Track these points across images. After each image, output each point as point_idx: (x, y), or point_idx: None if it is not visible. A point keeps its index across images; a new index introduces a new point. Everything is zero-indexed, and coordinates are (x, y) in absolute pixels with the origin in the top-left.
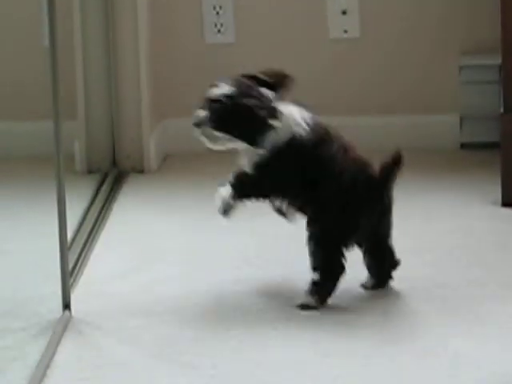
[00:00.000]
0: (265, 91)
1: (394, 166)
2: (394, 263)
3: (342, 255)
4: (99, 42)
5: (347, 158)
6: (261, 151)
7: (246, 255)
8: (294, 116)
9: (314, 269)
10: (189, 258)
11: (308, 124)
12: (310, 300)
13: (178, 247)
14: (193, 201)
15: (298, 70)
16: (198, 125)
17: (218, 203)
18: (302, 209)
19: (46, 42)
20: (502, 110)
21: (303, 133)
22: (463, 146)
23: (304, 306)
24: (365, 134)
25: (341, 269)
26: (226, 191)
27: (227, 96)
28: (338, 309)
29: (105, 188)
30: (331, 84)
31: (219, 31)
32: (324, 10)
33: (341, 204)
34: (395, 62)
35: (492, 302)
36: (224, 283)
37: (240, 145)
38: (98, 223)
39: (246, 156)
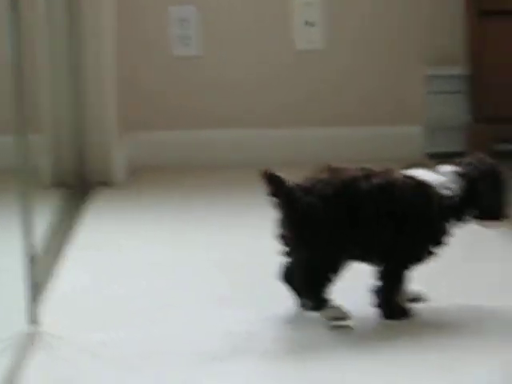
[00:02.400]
0: None
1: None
2: None
3: None
4: (65, 55)
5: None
6: None
7: (215, 270)
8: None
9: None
10: (156, 272)
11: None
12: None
13: (146, 261)
14: (160, 214)
15: (264, 81)
16: None
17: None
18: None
19: (10, 57)
20: (468, 119)
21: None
22: (429, 156)
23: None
24: (331, 146)
25: None
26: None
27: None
28: None
29: (71, 202)
30: (298, 95)
31: (186, 44)
32: (290, 22)
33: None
34: (360, 74)
35: None
36: (191, 297)
37: None
38: (65, 237)
39: None
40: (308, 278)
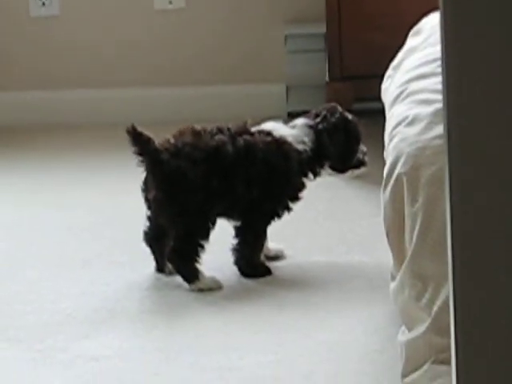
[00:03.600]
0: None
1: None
2: None
3: None
4: None
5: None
6: None
7: (71, 231)
8: None
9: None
10: (9, 234)
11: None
12: None
13: (2, 222)
14: (15, 175)
15: (125, 42)
16: None
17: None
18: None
19: None
20: (327, 78)
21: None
22: (290, 114)
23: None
24: (194, 105)
25: None
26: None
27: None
28: None
29: None
30: (160, 55)
31: (43, 4)
32: None
33: None
34: (221, 34)
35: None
36: (44, 258)
37: None
38: None
39: None
40: (181, 248)
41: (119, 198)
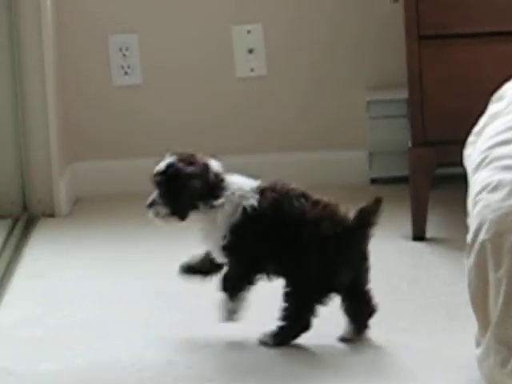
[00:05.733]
0: (212, 163)
1: (372, 211)
2: (371, 310)
3: (314, 311)
4: (6, 84)
5: (315, 207)
6: (221, 233)
7: (159, 298)
8: (242, 188)
9: (284, 318)
10: (100, 303)
11: (257, 192)
12: (267, 339)
13: (89, 291)
14: (104, 245)
15: (206, 110)
16: (149, 205)
17: (222, 314)
18: (279, 271)
19: None
20: (409, 144)
21: (255, 203)
22: (373, 181)
23: (262, 343)
24: (274, 172)
25: (308, 323)
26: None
27: (169, 166)
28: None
29: (15, 233)
30: (240, 123)
31: (126, 73)
32: (231, 49)
33: (320, 254)
34: (303, 100)
35: (402, 336)
36: (136, 326)
37: (197, 219)
38: (9, 268)
39: (205, 237)
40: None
41: None
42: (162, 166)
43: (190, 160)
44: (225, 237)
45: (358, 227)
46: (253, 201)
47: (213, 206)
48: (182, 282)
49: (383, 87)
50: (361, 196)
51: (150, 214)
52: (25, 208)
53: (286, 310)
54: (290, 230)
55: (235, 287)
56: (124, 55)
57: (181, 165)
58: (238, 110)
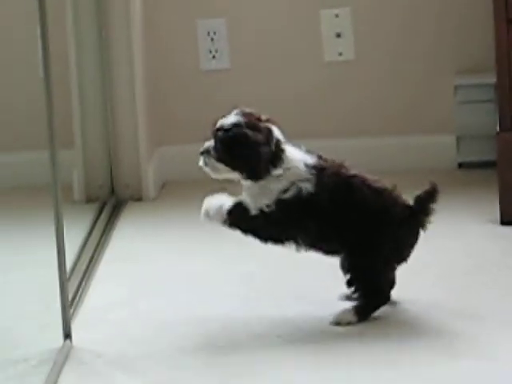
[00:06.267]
0: (275, 130)
1: (431, 198)
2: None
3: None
4: (95, 70)
5: (378, 195)
6: (266, 201)
7: (248, 282)
8: (298, 167)
9: (364, 295)
10: (188, 286)
11: (314, 171)
12: (348, 318)
13: (177, 275)
14: (191, 228)
15: (293, 94)
16: (202, 153)
17: (210, 208)
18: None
19: (41, 73)
20: (497, 128)
21: (310, 188)
22: (460, 165)
23: (336, 323)
24: (361, 156)
25: (388, 296)
26: (221, 206)
27: (235, 125)
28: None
29: (103, 217)
30: (327, 106)
31: (214, 57)
32: (319, 33)
33: (392, 236)
34: (390, 84)
35: (491, 324)
36: (224, 311)
37: (241, 179)
38: (97, 252)
39: (248, 192)
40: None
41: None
42: (227, 122)
43: (254, 124)
44: (268, 206)
45: (419, 213)
46: (308, 184)
47: (269, 174)
48: (270, 265)
49: (471, 72)
50: (448, 180)
51: (201, 161)
52: (112, 192)
53: (363, 287)
54: (355, 217)
55: (239, 227)
56: (212, 39)
57: (246, 129)
58: (325, 93)
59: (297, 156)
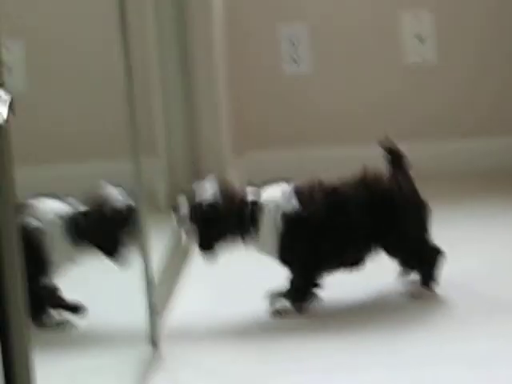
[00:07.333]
0: (248, 193)
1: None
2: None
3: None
4: (177, 75)
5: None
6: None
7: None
8: (273, 199)
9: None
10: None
11: (294, 198)
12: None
13: (265, 282)
14: None
15: (375, 98)
16: (179, 221)
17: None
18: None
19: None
20: None
21: (292, 207)
22: None
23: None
24: (444, 159)
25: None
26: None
27: (209, 205)
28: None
29: None
30: (407, 111)
31: (295, 62)
32: (400, 37)
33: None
34: (472, 87)
35: None
36: (314, 318)
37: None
38: (182, 260)
39: (260, 250)
40: None
41: None
42: (201, 199)
43: (229, 197)
44: (276, 246)
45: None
46: (289, 205)
47: (256, 231)
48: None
49: None
50: None
51: (178, 223)
52: None
53: (420, 264)
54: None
55: (300, 295)
56: (293, 44)
57: (219, 205)
58: (407, 97)
59: (270, 193)
